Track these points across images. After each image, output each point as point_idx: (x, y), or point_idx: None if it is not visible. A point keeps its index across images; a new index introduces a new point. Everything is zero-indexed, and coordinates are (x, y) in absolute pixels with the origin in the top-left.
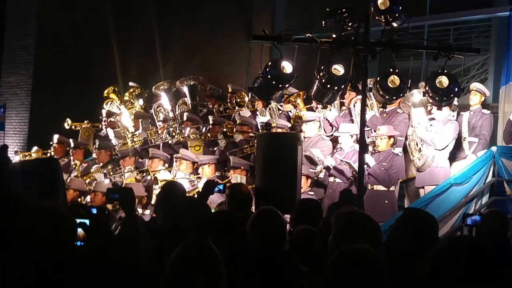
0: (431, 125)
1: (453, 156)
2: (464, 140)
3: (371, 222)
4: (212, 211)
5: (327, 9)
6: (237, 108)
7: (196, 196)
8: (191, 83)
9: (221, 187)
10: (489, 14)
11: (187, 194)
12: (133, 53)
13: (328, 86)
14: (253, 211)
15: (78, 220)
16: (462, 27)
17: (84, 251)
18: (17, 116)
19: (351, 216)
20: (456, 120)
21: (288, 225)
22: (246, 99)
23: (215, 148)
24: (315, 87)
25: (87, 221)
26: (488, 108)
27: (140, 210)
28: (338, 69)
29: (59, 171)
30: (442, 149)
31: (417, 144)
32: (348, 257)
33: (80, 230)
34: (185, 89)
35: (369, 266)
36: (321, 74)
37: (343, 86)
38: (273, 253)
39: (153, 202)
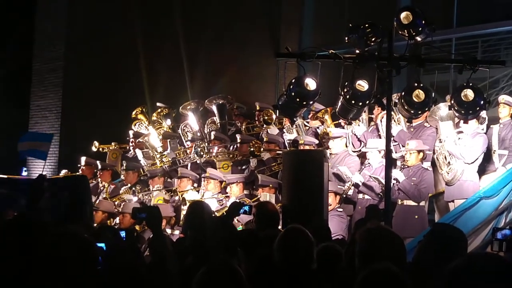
0: (459, 138)
1: (483, 169)
2: (494, 153)
3: (395, 238)
4: (240, 228)
5: (350, 25)
6: (264, 126)
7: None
8: (220, 102)
9: (246, 208)
10: None
11: (215, 214)
12: (161, 73)
13: (353, 102)
14: (280, 229)
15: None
16: (490, 39)
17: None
18: None
19: (374, 232)
20: (485, 133)
21: None
22: (274, 116)
23: (244, 167)
24: (339, 103)
25: (103, 245)
26: None
27: (169, 231)
28: (362, 85)
29: (86, 192)
30: (472, 163)
31: (445, 158)
32: (374, 278)
33: None
34: (214, 108)
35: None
36: (345, 90)
37: (367, 102)
38: (301, 273)
39: (181, 222)
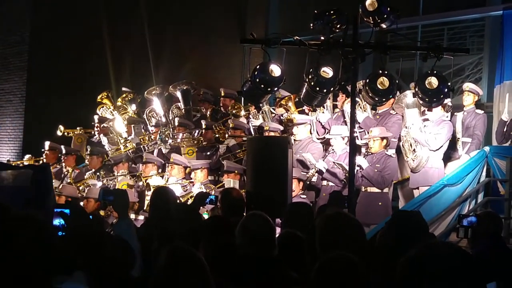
0: (425, 126)
1: (448, 157)
2: (458, 140)
3: (354, 223)
4: (205, 215)
5: (315, 11)
6: (233, 118)
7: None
8: (184, 88)
9: (213, 197)
10: (482, 14)
11: (180, 199)
12: (127, 58)
13: (317, 88)
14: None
15: (58, 210)
16: (456, 27)
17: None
18: (12, 123)
19: (334, 218)
20: (450, 120)
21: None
22: (243, 112)
23: (209, 153)
24: (304, 90)
25: (67, 210)
26: (483, 108)
27: (132, 216)
28: (327, 72)
29: (48, 180)
30: (436, 150)
31: (411, 145)
32: (330, 266)
33: None
34: (178, 94)
35: (351, 274)
36: (310, 76)
37: (332, 89)
38: (262, 259)
39: (145, 207)
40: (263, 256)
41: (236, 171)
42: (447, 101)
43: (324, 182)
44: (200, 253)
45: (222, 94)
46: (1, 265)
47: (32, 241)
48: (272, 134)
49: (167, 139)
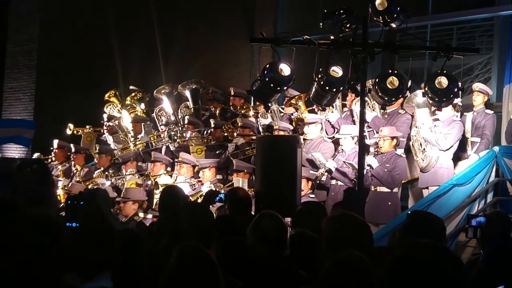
0: (435, 125)
1: (457, 156)
2: (467, 140)
3: (359, 223)
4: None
5: (325, 11)
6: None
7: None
8: (193, 87)
9: (222, 196)
10: (491, 13)
11: (190, 198)
12: (135, 57)
13: (327, 88)
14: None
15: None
16: (465, 27)
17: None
18: None
19: (338, 219)
20: (460, 120)
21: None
22: (251, 112)
23: (218, 152)
24: (313, 89)
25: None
26: (492, 107)
27: (141, 214)
28: (337, 71)
29: (48, 175)
30: (447, 150)
31: (421, 145)
32: (341, 265)
33: None
34: (187, 93)
35: (361, 273)
36: (319, 76)
37: (341, 88)
38: (274, 258)
39: (154, 206)
40: (274, 255)
41: (245, 170)
42: (457, 100)
43: (333, 182)
44: (211, 252)
45: (232, 93)
46: (13, 264)
47: (44, 241)
48: (281, 133)
49: (175, 137)
